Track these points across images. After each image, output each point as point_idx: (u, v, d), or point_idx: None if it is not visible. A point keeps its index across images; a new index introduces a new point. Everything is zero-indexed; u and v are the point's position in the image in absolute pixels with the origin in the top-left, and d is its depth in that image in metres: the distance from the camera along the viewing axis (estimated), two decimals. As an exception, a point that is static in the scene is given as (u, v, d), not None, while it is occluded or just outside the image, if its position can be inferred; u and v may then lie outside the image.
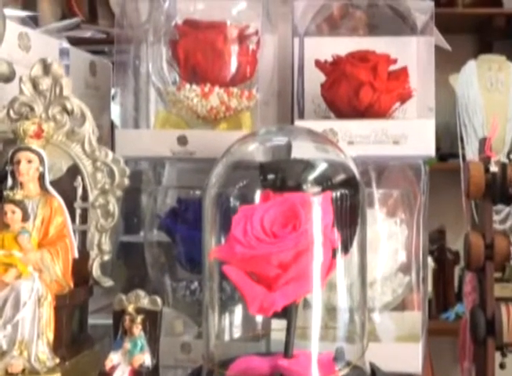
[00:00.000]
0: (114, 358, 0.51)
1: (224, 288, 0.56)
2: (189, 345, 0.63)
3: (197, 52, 0.65)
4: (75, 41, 0.83)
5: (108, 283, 0.59)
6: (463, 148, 1.44)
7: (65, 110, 0.59)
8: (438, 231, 1.53)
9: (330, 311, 0.56)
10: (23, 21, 0.76)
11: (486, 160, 0.69)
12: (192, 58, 0.65)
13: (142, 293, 0.53)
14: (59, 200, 0.56)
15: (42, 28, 0.79)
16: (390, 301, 0.67)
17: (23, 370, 0.50)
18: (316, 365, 0.51)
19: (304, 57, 0.70)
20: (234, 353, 0.53)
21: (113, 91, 0.77)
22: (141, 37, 0.72)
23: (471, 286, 0.74)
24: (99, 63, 0.82)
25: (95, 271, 0.58)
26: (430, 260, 1.46)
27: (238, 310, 0.60)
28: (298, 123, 0.65)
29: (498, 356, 0.68)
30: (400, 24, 0.72)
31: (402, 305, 0.68)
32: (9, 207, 0.53)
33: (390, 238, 0.66)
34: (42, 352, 0.51)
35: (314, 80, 0.68)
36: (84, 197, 0.58)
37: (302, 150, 0.56)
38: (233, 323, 0.60)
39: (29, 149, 0.55)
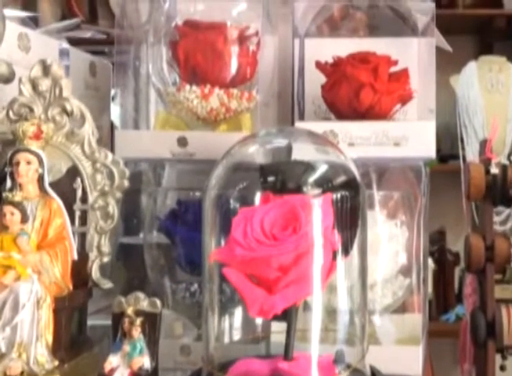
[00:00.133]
0: (113, 360, 0.51)
1: (224, 290, 0.56)
2: (188, 348, 0.63)
3: (197, 52, 0.65)
4: (75, 42, 0.83)
5: (107, 285, 0.58)
6: (463, 149, 1.43)
7: (64, 111, 0.59)
8: (439, 232, 1.53)
9: (331, 313, 0.56)
10: (23, 22, 0.76)
11: (487, 162, 0.69)
12: (192, 59, 0.65)
13: (141, 295, 0.52)
14: (58, 201, 0.56)
15: (42, 29, 0.79)
16: (390, 304, 0.66)
17: (22, 373, 0.50)
18: (316, 368, 0.51)
19: (304, 58, 0.70)
20: (234, 356, 0.53)
21: (113, 91, 0.77)
22: (141, 38, 0.71)
23: (472, 288, 0.74)
24: (99, 64, 0.82)
25: (95, 273, 0.58)
26: (430, 261, 1.46)
27: (238, 312, 0.60)
28: (298, 124, 0.65)
29: (498, 358, 0.68)
30: (401, 25, 0.72)
31: (402, 308, 0.68)
32: (7, 209, 0.52)
33: (390, 240, 0.66)
34: (41, 354, 0.50)
35: (314, 81, 0.68)
36: (84, 199, 0.58)
37: (302, 151, 0.55)
38: (233, 325, 0.60)
39: (28, 150, 0.55)
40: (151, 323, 0.52)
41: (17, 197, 0.53)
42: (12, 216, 0.52)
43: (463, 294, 1.17)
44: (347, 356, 0.53)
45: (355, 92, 0.64)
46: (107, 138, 0.78)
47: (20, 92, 0.59)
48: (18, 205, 0.53)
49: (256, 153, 0.56)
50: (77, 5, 1.15)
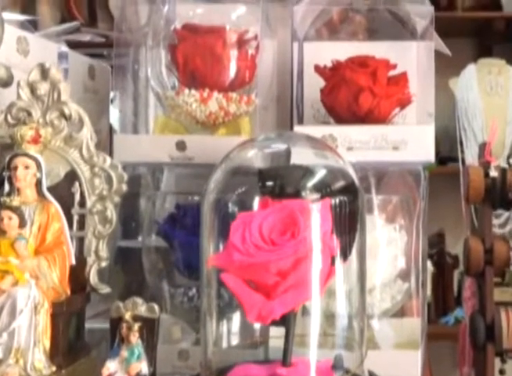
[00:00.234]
0: (111, 366, 0.50)
1: (222, 295, 0.56)
2: (186, 352, 0.63)
3: (196, 56, 0.65)
4: (74, 45, 0.83)
5: (105, 290, 0.58)
6: (462, 152, 1.43)
7: (63, 115, 0.58)
8: (438, 235, 1.53)
9: (329, 318, 0.56)
10: (22, 25, 0.76)
11: (486, 165, 0.69)
12: (191, 63, 0.65)
13: (139, 300, 0.52)
14: (56, 206, 0.55)
15: (41, 32, 0.79)
16: (389, 308, 0.66)
17: (20, 379, 0.50)
18: (315, 373, 0.50)
19: (303, 62, 0.70)
20: (232, 361, 0.53)
21: (112, 94, 0.76)
22: (140, 41, 0.71)
23: (471, 291, 0.74)
24: (98, 67, 0.82)
25: (93, 278, 0.58)
26: (429, 264, 1.45)
27: (236, 317, 0.60)
28: (297, 128, 0.64)
29: (497, 361, 0.68)
30: (400, 29, 0.72)
31: (401, 312, 0.68)
32: (5, 214, 0.52)
33: (389, 244, 0.66)
34: (39, 360, 0.50)
35: (313, 85, 0.68)
36: (82, 203, 0.58)
37: (301, 156, 0.55)
38: (231, 330, 0.60)
39: (26, 154, 0.55)
40: (149, 329, 0.51)
41: (15, 201, 0.53)
42: (10, 221, 0.52)
43: (462, 297, 1.17)
44: (345, 361, 0.52)
45: (353, 96, 0.64)
46: (106, 141, 0.77)
47: (18, 96, 0.59)
48: (16, 210, 0.52)
49: (255, 158, 0.56)
50: (77, 8, 1.15)
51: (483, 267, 0.67)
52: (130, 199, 0.69)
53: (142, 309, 0.52)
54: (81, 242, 0.58)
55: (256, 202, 0.52)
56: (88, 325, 0.60)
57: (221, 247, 0.53)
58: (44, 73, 0.59)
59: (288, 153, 0.54)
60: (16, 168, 0.54)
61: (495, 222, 1.33)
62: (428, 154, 0.64)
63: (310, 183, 0.52)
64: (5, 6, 1.10)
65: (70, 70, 0.77)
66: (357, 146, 0.63)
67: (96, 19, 1.15)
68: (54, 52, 0.75)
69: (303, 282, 0.49)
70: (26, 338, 0.50)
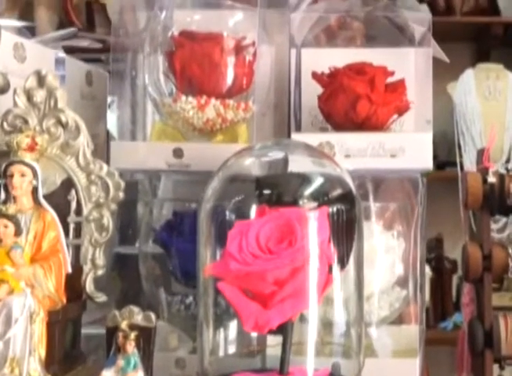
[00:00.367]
0: (107, 375, 0.50)
1: (219, 303, 0.56)
2: (183, 361, 0.63)
3: (194, 63, 0.64)
4: (72, 50, 0.83)
5: (101, 298, 0.58)
6: (460, 156, 1.43)
7: (59, 122, 0.58)
8: (436, 240, 1.53)
9: (327, 326, 0.55)
10: (20, 31, 0.76)
11: (484, 171, 0.68)
12: (188, 69, 0.65)
13: (136, 309, 0.52)
14: (52, 214, 0.55)
15: (39, 38, 0.79)
16: (387, 316, 0.66)
17: (15, 388, 0.49)
18: (312, 382, 0.50)
19: (301, 68, 0.70)
20: (229, 369, 0.53)
21: (109, 99, 0.76)
22: (137, 47, 0.71)
23: (469, 297, 0.74)
24: (96, 73, 0.82)
25: (89, 286, 0.58)
26: (427, 269, 1.45)
27: (233, 325, 0.60)
28: (295, 136, 0.64)
29: (496, 368, 0.67)
30: (398, 35, 0.71)
31: (399, 319, 0.68)
32: (1, 222, 0.52)
33: (387, 251, 0.66)
34: (34, 369, 0.50)
35: (311, 91, 0.68)
36: (78, 211, 0.58)
37: (299, 164, 0.55)
38: (228, 338, 0.60)
39: (22, 162, 0.55)
40: (145, 338, 0.51)
41: (11, 209, 0.53)
42: (6, 229, 0.52)
43: (460, 302, 1.16)
44: (343, 370, 0.52)
45: (351, 104, 0.64)
46: (103, 147, 0.77)
47: (15, 104, 0.58)
48: (12, 218, 0.52)
49: (252, 166, 0.56)
50: (75, 13, 1.15)
51: (481, 273, 0.67)
52: (127, 205, 0.69)
53: (139, 317, 0.52)
54: (77, 250, 0.58)
55: (253, 210, 0.52)
56: (85, 331, 0.60)
57: (218, 254, 0.53)
58: (40, 80, 0.58)
59: (286, 161, 0.54)
60: (12, 175, 0.54)
61: (494, 226, 1.33)
62: (426, 162, 0.63)
63: (307, 191, 0.52)
64: (3, 11, 1.10)
65: (68, 76, 0.77)
66: (354, 153, 0.63)
67: (94, 24, 1.15)
68: (51, 58, 0.75)
69: (300, 291, 0.49)
70: (21, 347, 0.50)
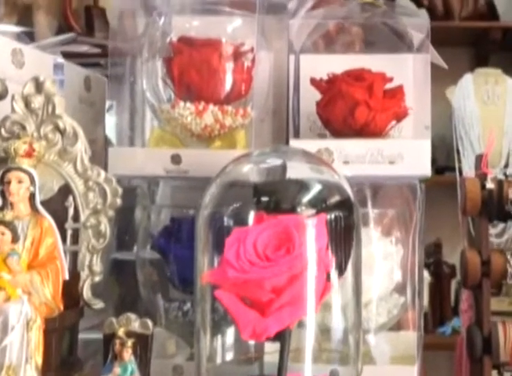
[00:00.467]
0: (104, 383, 0.50)
1: (216, 310, 0.56)
2: (181, 368, 0.62)
3: (192, 69, 0.64)
4: (70, 54, 0.83)
5: (99, 305, 0.58)
6: (459, 161, 1.43)
7: (57, 128, 0.58)
8: (435, 244, 1.52)
9: (324, 332, 0.55)
10: (18, 36, 0.76)
11: (482, 177, 0.68)
12: (186, 76, 0.65)
13: (133, 316, 0.52)
14: (49, 220, 0.55)
15: (37, 43, 0.79)
16: (385, 322, 0.66)
17: (11, 396, 0.49)
18: (310, 390, 0.50)
19: (299, 74, 0.70)
20: (226, 377, 0.53)
21: (107, 103, 0.76)
22: (136, 53, 0.71)
23: (468, 304, 0.74)
24: (94, 78, 0.82)
25: (86, 293, 0.57)
26: (426, 274, 1.45)
27: (230, 332, 0.59)
28: (293, 142, 0.64)
29: (495, 374, 0.67)
30: (396, 41, 0.72)
31: (397, 325, 0.68)
32: (-2, 229, 0.52)
33: (385, 258, 0.66)
34: (31, 376, 0.50)
35: (309, 97, 0.68)
36: (76, 217, 0.58)
37: (297, 171, 0.55)
38: (226, 345, 0.60)
39: (20, 168, 0.55)
40: (142, 345, 0.51)
41: (8, 216, 0.52)
42: (3, 236, 0.52)
43: (459, 307, 1.16)
44: (341, 377, 0.52)
45: (349, 110, 0.64)
46: (101, 152, 0.77)
47: (13, 110, 0.58)
48: (9, 225, 0.52)
49: (250, 173, 0.56)
50: (74, 18, 1.15)
51: (480, 279, 0.66)
52: (125, 211, 0.69)
53: (136, 324, 0.51)
54: (74, 256, 0.58)
55: (251, 217, 0.52)
56: (83, 336, 0.59)
57: (215, 261, 0.53)
58: (38, 86, 0.58)
59: (284, 168, 0.54)
60: (9, 182, 0.54)
61: (492, 231, 1.33)
62: (424, 168, 0.63)
63: (305, 198, 0.52)
64: (2, 16, 1.10)
65: (66, 81, 0.77)
66: (353, 160, 0.63)
67: (93, 29, 1.15)
68: (49, 64, 0.75)
69: (298, 299, 0.49)
70: (18, 354, 0.50)
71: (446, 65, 0.73)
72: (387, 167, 0.63)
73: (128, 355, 0.50)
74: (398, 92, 0.66)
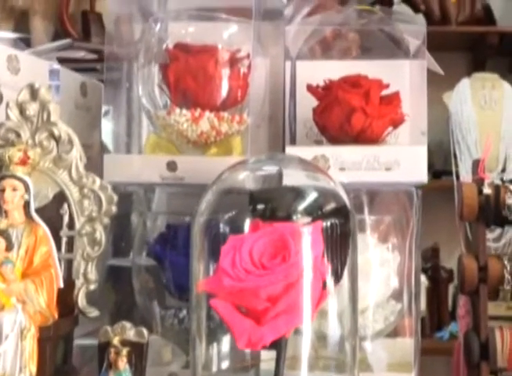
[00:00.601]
0: (99, 392, 0.50)
1: (212, 317, 0.55)
2: (176, 375, 0.62)
3: (188, 76, 0.64)
4: (66, 59, 0.83)
5: (94, 313, 0.57)
6: (456, 165, 1.43)
7: (52, 135, 0.58)
8: (432, 249, 1.52)
9: (321, 339, 0.55)
10: (14, 42, 0.76)
11: (479, 182, 0.68)
12: (182, 82, 0.65)
13: (128, 324, 0.51)
14: (44, 228, 0.55)
15: (33, 49, 0.78)
16: (382, 329, 0.66)
17: (5, 405, 0.49)
18: (306, 398, 0.50)
19: (296, 80, 0.70)
20: (222, 385, 0.52)
21: (103, 108, 0.76)
22: (132, 58, 0.71)
23: (465, 309, 0.73)
24: (90, 84, 0.81)
25: (81, 301, 0.57)
26: (424, 278, 1.45)
27: (226, 340, 0.59)
28: (289, 149, 0.64)
29: (492, 380, 0.67)
30: (393, 48, 0.72)
31: (394, 332, 0.68)
32: (-8, 237, 0.52)
33: (382, 264, 0.66)
34: (25, 386, 0.49)
35: (306, 103, 0.68)
36: (71, 225, 0.57)
37: (292, 178, 0.55)
38: (221, 353, 0.59)
39: (14, 176, 0.54)
40: (137, 353, 0.51)
41: (2, 224, 0.52)
42: (-3, 244, 0.52)
43: (456, 312, 1.16)
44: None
45: (346, 116, 0.64)
46: (97, 158, 0.77)
47: (7, 117, 0.58)
48: (3, 233, 0.52)
49: (246, 180, 0.55)
50: (70, 23, 1.15)
51: (477, 285, 0.66)
52: (121, 217, 0.68)
53: (131, 333, 0.51)
54: (69, 264, 0.57)
55: (247, 224, 0.52)
56: (79, 342, 0.59)
57: (211, 268, 0.53)
58: (33, 93, 0.58)
59: (280, 175, 0.54)
60: (3, 189, 0.54)
61: (490, 236, 1.33)
62: (421, 175, 0.63)
63: (301, 206, 0.52)
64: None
65: (62, 87, 0.76)
66: (349, 166, 0.62)
67: (90, 34, 1.14)
68: (45, 70, 0.75)
69: (294, 307, 0.49)
70: (12, 363, 0.49)
71: (443, 70, 0.73)
72: (384, 173, 0.63)
73: (122, 364, 0.50)
74: (394, 99, 0.66)
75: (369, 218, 0.65)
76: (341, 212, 0.53)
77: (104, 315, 0.63)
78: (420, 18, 1.50)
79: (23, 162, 0.55)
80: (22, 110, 0.58)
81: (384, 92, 0.66)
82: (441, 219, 1.35)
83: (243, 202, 0.53)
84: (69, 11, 1.18)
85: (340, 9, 0.71)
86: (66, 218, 0.57)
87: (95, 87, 0.82)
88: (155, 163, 0.63)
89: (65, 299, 0.55)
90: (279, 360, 0.50)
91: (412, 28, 0.71)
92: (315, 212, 0.52)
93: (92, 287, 0.58)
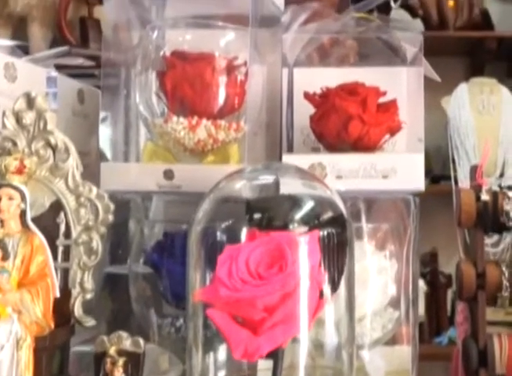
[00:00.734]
0: (94, 403, 0.49)
1: (208, 326, 0.55)
2: (173, 385, 0.62)
3: (185, 83, 0.64)
4: (64, 65, 0.83)
5: (90, 322, 0.57)
6: (455, 170, 1.44)
7: (48, 144, 0.58)
8: (430, 254, 1.52)
9: (318, 348, 0.55)
10: (12, 50, 0.76)
11: (477, 188, 0.68)
12: (179, 90, 0.65)
13: (124, 334, 0.51)
14: (40, 237, 0.55)
15: (31, 56, 0.78)
16: (380, 337, 0.66)
17: (0, 416, 0.49)
18: (303, 408, 0.50)
19: (293, 88, 0.70)
20: (219, 395, 0.52)
21: (101, 115, 0.76)
22: (130, 64, 0.71)
23: (463, 316, 0.73)
24: (88, 91, 0.81)
25: (77, 310, 0.57)
26: (422, 283, 1.45)
27: (223, 349, 0.59)
28: (286, 157, 0.64)
29: (491, 387, 0.67)
30: (390, 55, 0.72)
31: (391, 340, 0.67)
32: (-12, 246, 0.52)
33: (379, 272, 0.65)
34: (20, 396, 0.49)
35: (303, 111, 0.68)
36: (67, 234, 0.57)
37: (289, 187, 0.55)
38: (218, 362, 0.59)
39: (10, 185, 0.54)
40: (134, 364, 0.51)
41: (-2, 233, 0.52)
42: (-7, 254, 0.51)
43: (455, 317, 1.16)
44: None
45: (343, 124, 0.64)
46: (95, 165, 0.77)
47: (4, 125, 0.58)
48: (-1, 242, 0.52)
49: (243, 189, 0.55)
50: (68, 29, 1.15)
51: (475, 292, 0.66)
52: (118, 225, 0.68)
53: (127, 343, 0.51)
54: (65, 273, 0.57)
55: (243, 234, 0.52)
56: (77, 348, 0.59)
57: (207, 277, 0.53)
58: (30, 102, 0.58)
59: (277, 184, 0.54)
60: (-1, 199, 0.54)
61: (488, 241, 1.33)
62: (418, 182, 0.63)
63: (298, 215, 0.52)
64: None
65: (59, 94, 0.76)
66: (346, 174, 0.62)
67: (88, 40, 1.15)
68: (42, 77, 0.75)
69: (290, 317, 0.48)
70: (7, 373, 0.49)
71: (441, 74, 0.73)
72: (381, 181, 0.63)
73: (119, 374, 0.50)
74: (391, 106, 0.66)
75: (366, 226, 0.65)
76: (338, 221, 0.53)
77: (101, 323, 0.63)
78: (418, 23, 1.50)
79: (20, 171, 0.55)
80: (18, 119, 0.58)
81: (381, 100, 0.66)
82: (439, 224, 1.35)
83: (240, 211, 0.53)
84: (67, 17, 1.18)
85: (337, 16, 0.71)
86: (62, 227, 0.57)
87: (92, 94, 0.82)
88: (152, 171, 0.63)
89: (61, 309, 0.55)
90: (275, 370, 0.50)
91: (410, 35, 0.71)
92: (312, 221, 0.52)
93: (89, 296, 0.57)
